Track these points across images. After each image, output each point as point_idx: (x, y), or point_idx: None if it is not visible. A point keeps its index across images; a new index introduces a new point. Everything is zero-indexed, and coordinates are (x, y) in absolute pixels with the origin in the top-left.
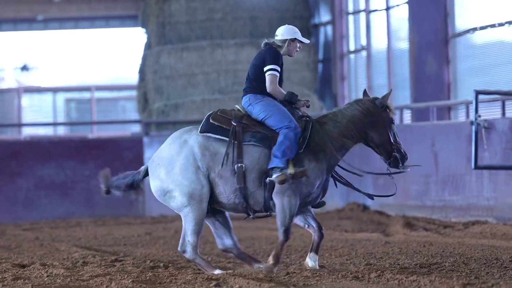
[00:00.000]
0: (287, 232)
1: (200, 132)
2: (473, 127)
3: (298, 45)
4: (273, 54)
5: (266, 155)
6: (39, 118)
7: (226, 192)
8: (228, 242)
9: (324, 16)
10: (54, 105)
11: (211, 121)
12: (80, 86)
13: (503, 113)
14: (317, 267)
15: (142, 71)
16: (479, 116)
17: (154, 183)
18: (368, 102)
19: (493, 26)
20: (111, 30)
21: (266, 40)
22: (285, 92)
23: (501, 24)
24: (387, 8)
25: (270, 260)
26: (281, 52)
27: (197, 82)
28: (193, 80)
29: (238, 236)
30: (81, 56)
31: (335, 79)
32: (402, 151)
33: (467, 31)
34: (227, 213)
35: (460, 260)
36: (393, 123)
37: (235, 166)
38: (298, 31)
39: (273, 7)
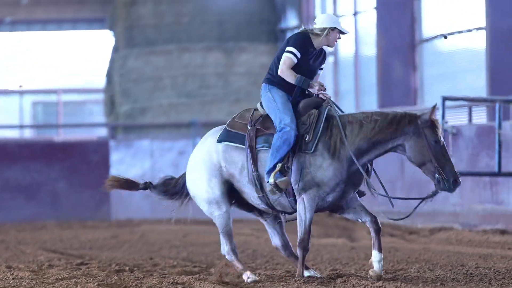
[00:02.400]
0: (304, 243)
1: (218, 141)
2: None
3: (338, 35)
4: (295, 38)
5: None
6: (6, 120)
7: (253, 200)
8: (276, 241)
9: (291, 20)
10: (21, 107)
11: (227, 128)
12: (47, 89)
13: (470, 119)
14: (381, 270)
15: (109, 74)
16: (446, 122)
17: (188, 185)
18: (407, 117)
19: (460, 32)
20: (78, 32)
21: (303, 27)
22: (296, 75)
23: (468, 31)
24: (355, 14)
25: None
26: (319, 41)
27: (164, 85)
28: (160, 83)
29: (204, 242)
30: (48, 59)
31: None
32: (447, 173)
33: (434, 37)
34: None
35: (425, 266)
36: (437, 142)
37: (251, 175)
38: (339, 21)
39: (241, 12)
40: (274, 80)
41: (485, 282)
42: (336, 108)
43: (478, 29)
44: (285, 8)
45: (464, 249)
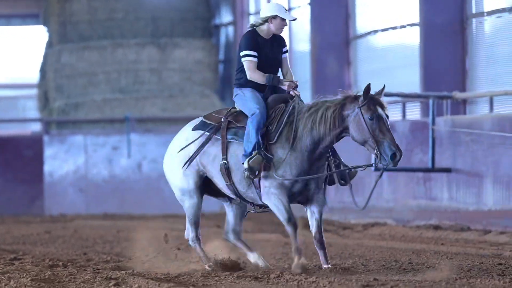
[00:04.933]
0: (290, 221)
1: (193, 130)
2: None
3: (282, 22)
4: (243, 39)
5: None
6: None
7: (223, 188)
8: (230, 226)
9: (225, 17)
10: None
11: (203, 119)
12: None
13: (404, 115)
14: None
15: (43, 70)
16: None
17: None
18: (347, 99)
19: (394, 28)
20: (12, 28)
21: (251, 22)
22: (265, 76)
23: (402, 27)
24: (289, 9)
25: (294, 257)
26: (266, 31)
27: (98, 81)
28: (94, 79)
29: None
30: None
31: None
32: (388, 148)
33: (368, 33)
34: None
35: (359, 261)
36: (372, 119)
37: (222, 163)
38: (282, 8)
39: (175, 8)
40: (243, 84)
41: (418, 277)
42: (302, 103)
43: (411, 25)
44: (219, 4)
45: (398, 244)
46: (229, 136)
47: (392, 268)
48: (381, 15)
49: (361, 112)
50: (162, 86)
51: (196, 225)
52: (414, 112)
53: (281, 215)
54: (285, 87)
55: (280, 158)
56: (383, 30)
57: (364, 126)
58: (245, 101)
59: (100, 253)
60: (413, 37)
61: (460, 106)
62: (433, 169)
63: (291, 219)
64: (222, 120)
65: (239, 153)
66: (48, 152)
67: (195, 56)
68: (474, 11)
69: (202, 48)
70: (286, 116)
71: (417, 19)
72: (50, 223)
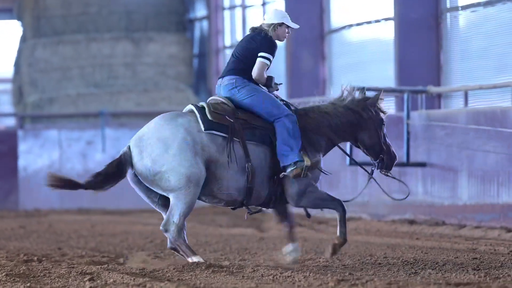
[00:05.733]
0: (342, 204)
1: (205, 130)
2: None
3: (286, 30)
4: (270, 44)
5: (268, 152)
6: None
7: (229, 189)
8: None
9: (199, 11)
10: None
11: (210, 118)
12: None
13: None
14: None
15: (17, 64)
16: None
17: (144, 162)
18: (359, 102)
19: (369, 23)
20: None
21: (253, 25)
22: (265, 78)
23: (377, 21)
24: (264, 4)
25: (340, 239)
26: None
27: (72, 75)
28: (68, 73)
29: (112, 232)
30: None
31: (210, 74)
32: (392, 153)
33: (343, 27)
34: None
35: (334, 256)
36: (384, 124)
37: (246, 165)
38: (287, 16)
39: (149, 2)
40: (249, 74)
41: (393, 272)
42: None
43: (386, 19)
44: None
45: (373, 239)
46: (248, 138)
47: (367, 263)
48: (356, 10)
49: (372, 117)
50: (136, 81)
51: (186, 217)
52: (389, 106)
53: (332, 204)
54: (276, 92)
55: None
56: (358, 24)
57: (377, 130)
58: (267, 100)
59: (75, 248)
60: (387, 32)
61: (435, 101)
62: (408, 164)
63: (341, 202)
64: (231, 120)
65: (261, 155)
66: (22, 146)
67: (169, 50)
68: (448, 6)
69: (176, 42)
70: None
71: (391, 14)
72: (24, 218)
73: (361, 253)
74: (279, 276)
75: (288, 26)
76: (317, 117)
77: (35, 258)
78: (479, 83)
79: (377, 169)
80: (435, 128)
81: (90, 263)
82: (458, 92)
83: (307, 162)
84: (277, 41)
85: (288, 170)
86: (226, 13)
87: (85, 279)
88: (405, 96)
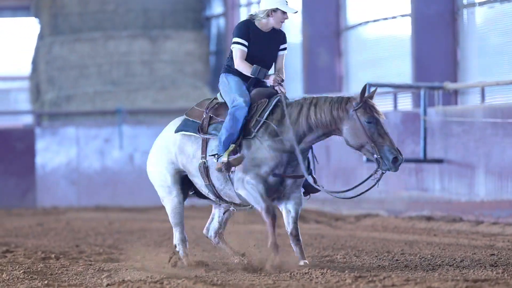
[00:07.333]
0: (268, 210)
1: (175, 132)
2: None
3: (283, 15)
4: (237, 27)
5: None
6: None
7: (202, 189)
8: (213, 226)
9: (216, 8)
10: None
11: (186, 117)
12: None
13: (395, 106)
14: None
15: (34, 62)
16: None
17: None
18: (342, 101)
19: (385, 19)
20: (3, 20)
21: (250, 13)
22: (251, 67)
23: (393, 17)
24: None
25: (271, 252)
26: (265, 24)
27: (89, 73)
28: (85, 71)
29: (129, 229)
30: None
31: None
32: (387, 153)
33: (359, 24)
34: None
35: (351, 252)
36: (371, 122)
37: (198, 162)
38: (283, 0)
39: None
40: (230, 70)
41: (411, 269)
42: (287, 100)
43: (403, 15)
44: None
45: (390, 235)
46: (209, 133)
47: (384, 259)
48: (372, 6)
49: (357, 116)
50: (153, 78)
51: (180, 226)
52: (405, 103)
53: (258, 204)
54: (270, 82)
55: (257, 152)
56: (375, 21)
57: (361, 130)
58: (229, 90)
59: (93, 245)
60: (404, 28)
61: (451, 97)
62: (425, 160)
63: (269, 209)
64: (204, 115)
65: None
66: (40, 144)
67: (186, 48)
68: (465, 2)
69: (193, 40)
70: (269, 110)
71: (408, 10)
72: (42, 216)
73: (379, 249)
74: (297, 273)
75: (284, 12)
76: (301, 109)
77: (53, 255)
78: (496, 79)
79: (382, 170)
80: (452, 125)
81: (108, 260)
82: (475, 88)
83: (224, 157)
84: (277, 28)
85: (221, 152)
86: (243, 10)
87: (103, 276)
88: (422, 92)
